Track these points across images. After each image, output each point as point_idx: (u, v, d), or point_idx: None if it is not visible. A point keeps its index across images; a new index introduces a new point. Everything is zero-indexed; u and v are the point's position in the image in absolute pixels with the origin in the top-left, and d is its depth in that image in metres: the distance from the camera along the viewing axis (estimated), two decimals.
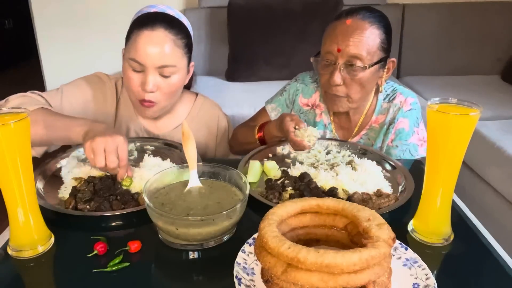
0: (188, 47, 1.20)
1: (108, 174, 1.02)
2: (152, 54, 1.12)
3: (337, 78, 1.16)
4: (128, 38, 1.17)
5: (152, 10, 1.20)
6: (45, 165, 1.06)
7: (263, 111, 1.44)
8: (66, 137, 1.02)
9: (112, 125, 1.28)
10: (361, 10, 1.17)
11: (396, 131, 1.26)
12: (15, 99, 1.10)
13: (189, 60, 1.22)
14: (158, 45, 1.12)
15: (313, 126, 1.34)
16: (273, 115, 1.40)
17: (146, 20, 1.15)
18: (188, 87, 1.37)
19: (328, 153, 1.17)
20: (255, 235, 0.74)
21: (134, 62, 1.13)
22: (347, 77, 1.17)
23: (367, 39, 1.14)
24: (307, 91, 1.36)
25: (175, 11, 1.22)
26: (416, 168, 1.13)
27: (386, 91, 1.29)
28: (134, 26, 1.16)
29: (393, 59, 1.23)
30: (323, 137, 1.26)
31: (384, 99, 1.29)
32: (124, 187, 0.97)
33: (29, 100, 1.10)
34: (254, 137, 1.26)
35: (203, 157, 1.04)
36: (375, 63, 1.16)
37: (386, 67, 1.23)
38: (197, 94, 1.39)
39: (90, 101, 1.25)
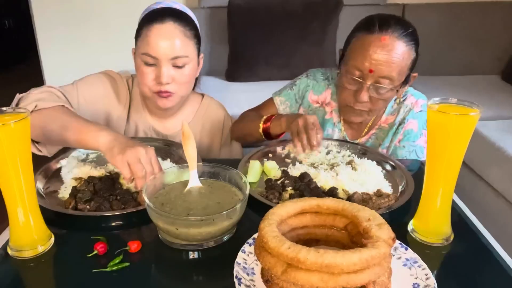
0: (197, 39, 1.21)
1: (108, 174, 1.02)
2: (164, 46, 1.13)
3: (365, 96, 1.13)
4: (138, 35, 1.18)
5: (159, 6, 1.21)
6: (45, 165, 1.06)
7: (270, 102, 1.40)
8: (83, 141, 0.98)
9: (124, 121, 1.29)
10: (395, 24, 1.10)
11: (404, 131, 1.25)
12: (36, 93, 1.09)
13: (199, 52, 1.24)
14: (169, 37, 1.14)
15: (322, 123, 1.33)
16: (281, 108, 1.38)
17: (155, 15, 1.17)
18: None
19: (328, 153, 1.17)
20: (255, 235, 0.74)
21: (147, 56, 1.15)
22: (374, 95, 1.14)
23: (401, 60, 1.10)
24: (318, 88, 1.34)
25: (181, 5, 1.24)
26: (416, 168, 1.13)
27: None
28: (143, 22, 1.18)
29: (415, 74, 1.20)
30: (325, 137, 1.25)
31: (395, 100, 1.27)
32: (126, 187, 0.97)
33: (49, 96, 1.10)
34: (257, 127, 1.23)
35: (207, 157, 1.05)
36: (402, 83, 1.14)
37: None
38: (203, 95, 1.41)
39: (102, 98, 1.26)
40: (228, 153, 1.42)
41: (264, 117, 1.24)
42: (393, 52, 1.09)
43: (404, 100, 1.27)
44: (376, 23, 1.11)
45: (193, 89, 1.39)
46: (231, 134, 1.41)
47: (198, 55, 1.24)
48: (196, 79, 1.34)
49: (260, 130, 1.22)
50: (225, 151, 1.41)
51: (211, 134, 1.37)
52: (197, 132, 1.35)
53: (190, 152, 0.90)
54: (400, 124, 1.26)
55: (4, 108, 0.75)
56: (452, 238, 0.83)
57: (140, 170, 0.89)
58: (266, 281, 0.66)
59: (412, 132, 1.24)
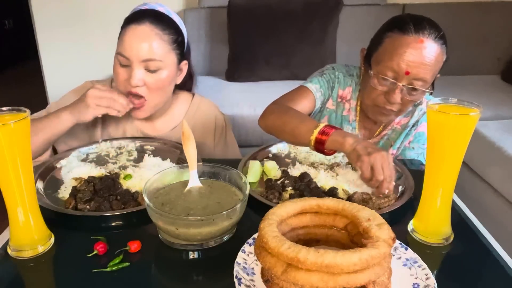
0: (178, 44, 1.19)
1: (108, 174, 1.02)
2: (136, 48, 1.12)
3: (398, 98, 1.11)
4: (119, 35, 1.18)
5: (143, 7, 1.21)
6: (45, 165, 1.06)
7: (305, 91, 1.26)
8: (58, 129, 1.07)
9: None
10: (429, 26, 1.10)
11: (416, 133, 1.25)
12: None
13: (180, 58, 1.22)
14: (143, 39, 1.12)
15: (339, 120, 1.32)
16: (318, 96, 1.28)
17: (134, 16, 1.17)
18: (188, 89, 1.37)
19: None
20: (255, 235, 0.74)
21: (121, 56, 1.14)
22: (405, 97, 1.12)
23: (436, 63, 1.10)
24: (343, 83, 1.31)
25: (166, 9, 1.22)
26: (416, 168, 1.13)
27: None
28: (124, 22, 1.18)
29: (439, 74, 1.19)
30: None
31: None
32: (126, 180, 0.99)
33: None
34: (309, 132, 1.02)
35: (201, 157, 1.04)
36: (432, 83, 1.13)
37: None
38: (193, 94, 1.39)
39: None
40: (224, 153, 1.41)
41: (320, 126, 1.02)
42: (429, 55, 1.08)
43: (419, 104, 1.26)
44: (410, 24, 1.10)
45: (191, 90, 1.38)
46: (262, 119, 1.21)
47: (180, 61, 1.21)
48: (192, 79, 1.34)
49: (312, 138, 1.01)
50: (220, 151, 1.39)
51: (202, 133, 1.35)
52: None
53: (190, 152, 0.90)
54: (413, 126, 1.26)
55: (4, 108, 0.75)
56: (452, 238, 0.83)
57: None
58: (266, 281, 0.66)
59: (423, 135, 1.24)
